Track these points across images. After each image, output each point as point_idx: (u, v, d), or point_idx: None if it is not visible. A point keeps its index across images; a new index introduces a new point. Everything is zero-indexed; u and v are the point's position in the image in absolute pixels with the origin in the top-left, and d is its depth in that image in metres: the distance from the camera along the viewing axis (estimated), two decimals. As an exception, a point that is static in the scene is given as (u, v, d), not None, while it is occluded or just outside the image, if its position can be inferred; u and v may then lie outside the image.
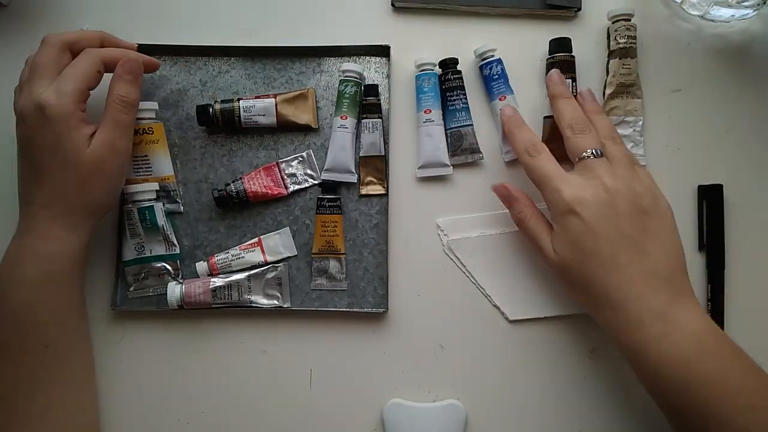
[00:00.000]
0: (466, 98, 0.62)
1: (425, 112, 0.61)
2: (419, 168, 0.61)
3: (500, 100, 0.61)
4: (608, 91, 0.61)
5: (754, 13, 0.60)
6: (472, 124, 0.62)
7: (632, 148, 0.61)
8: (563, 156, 0.61)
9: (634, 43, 0.61)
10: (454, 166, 0.62)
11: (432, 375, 0.60)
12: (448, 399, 0.59)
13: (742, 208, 0.61)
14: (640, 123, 0.61)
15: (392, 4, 0.64)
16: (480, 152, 0.62)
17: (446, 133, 0.62)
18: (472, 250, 0.60)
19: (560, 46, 0.61)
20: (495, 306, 0.60)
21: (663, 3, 0.64)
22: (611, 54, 0.61)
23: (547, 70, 0.62)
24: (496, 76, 0.61)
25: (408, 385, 0.59)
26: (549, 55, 0.62)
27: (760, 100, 0.62)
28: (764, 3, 0.58)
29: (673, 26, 0.63)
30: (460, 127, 0.61)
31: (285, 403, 0.60)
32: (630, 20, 0.61)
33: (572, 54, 0.61)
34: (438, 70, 0.62)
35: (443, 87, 0.62)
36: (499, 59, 0.61)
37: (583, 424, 0.59)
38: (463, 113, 0.61)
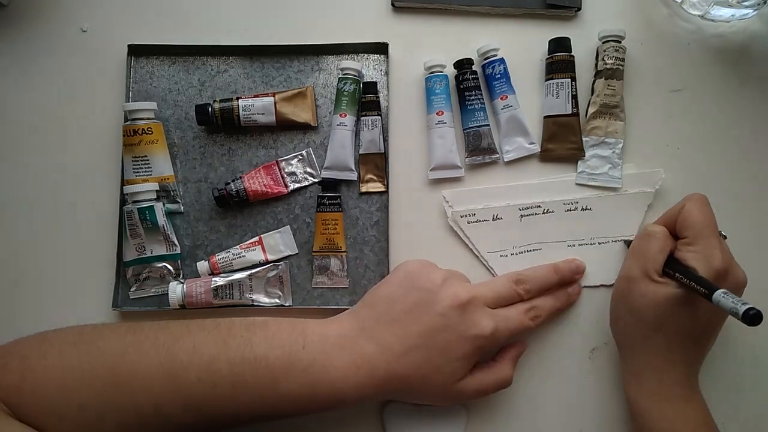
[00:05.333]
0: (483, 98, 0.62)
1: (437, 114, 0.61)
2: (431, 170, 0.61)
3: (501, 99, 0.61)
4: (591, 111, 0.61)
5: (755, 12, 0.60)
6: (489, 124, 0.61)
7: (609, 171, 0.60)
8: (562, 155, 0.61)
9: (622, 65, 0.60)
10: (471, 166, 0.62)
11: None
12: None
13: (743, 207, 0.61)
14: (620, 146, 0.60)
15: (392, 4, 0.64)
16: (497, 152, 0.62)
17: (464, 133, 0.62)
18: (477, 222, 0.61)
19: (560, 46, 0.61)
20: None
21: (663, 3, 0.64)
22: (597, 74, 0.61)
23: (547, 69, 0.62)
24: (499, 76, 0.61)
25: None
26: (548, 54, 0.62)
27: (760, 99, 0.62)
28: (764, 3, 0.58)
29: (673, 26, 0.63)
30: (478, 126, 0.61)
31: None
32: (620, 42, 0.60)
33: (572, 54, 0.61)
34: (447, 71, 0.62)
35: (461, 87, 0.61)
36: (502, 59, 0.61)
37: (583, 424, 0.59)
38: (481, 113, 0.61)
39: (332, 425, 0.59)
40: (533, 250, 0.60)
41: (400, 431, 0.58)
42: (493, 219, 0.61)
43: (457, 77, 0.62)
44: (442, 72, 0.61)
